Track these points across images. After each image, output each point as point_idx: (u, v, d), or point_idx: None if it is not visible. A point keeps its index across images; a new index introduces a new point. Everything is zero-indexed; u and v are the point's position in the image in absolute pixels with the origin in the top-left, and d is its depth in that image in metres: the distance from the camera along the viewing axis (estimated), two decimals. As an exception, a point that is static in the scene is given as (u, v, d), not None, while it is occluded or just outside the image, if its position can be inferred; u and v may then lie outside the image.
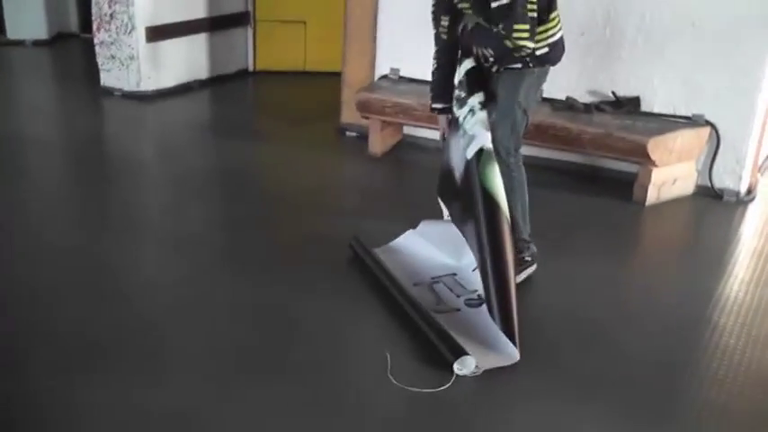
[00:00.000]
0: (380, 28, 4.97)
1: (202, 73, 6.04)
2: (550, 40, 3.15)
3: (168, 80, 5.77)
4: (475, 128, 3.14)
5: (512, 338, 2.72)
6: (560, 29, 3.19)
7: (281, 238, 3.72)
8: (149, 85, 5.65)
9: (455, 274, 3.27)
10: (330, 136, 5.27)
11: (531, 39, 2.96)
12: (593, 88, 4.52)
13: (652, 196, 4.26)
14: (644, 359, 2.83)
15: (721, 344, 2.95)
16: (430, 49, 4.83)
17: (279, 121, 5.56)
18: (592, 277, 3.45)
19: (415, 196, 4.13)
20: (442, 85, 3.44)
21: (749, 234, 4.12)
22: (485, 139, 3.08)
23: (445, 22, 3.26)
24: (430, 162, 4.63)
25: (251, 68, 6.49)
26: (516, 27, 2.92)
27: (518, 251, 3.22)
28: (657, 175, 4.23)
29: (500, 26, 2.94)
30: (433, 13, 3.32)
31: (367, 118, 4.87)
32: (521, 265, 3.24)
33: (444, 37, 3.31)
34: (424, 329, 2.85)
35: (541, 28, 3.06)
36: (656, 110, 4.42)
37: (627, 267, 3.69)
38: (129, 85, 5.65)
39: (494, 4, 2.92)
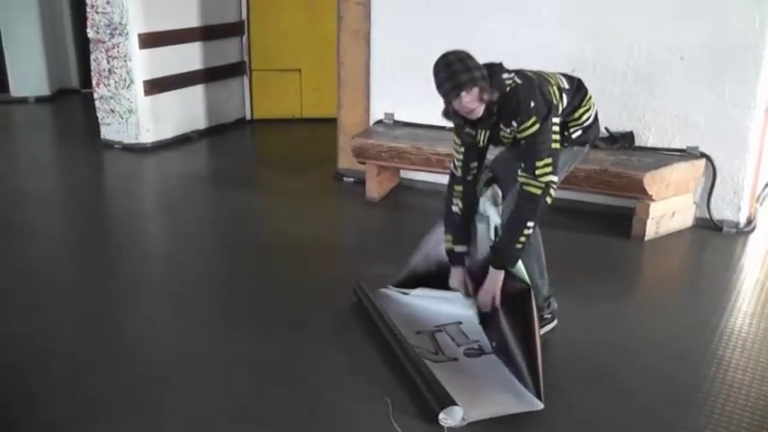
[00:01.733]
0: (374, 74, 5.02)
1: (200, 123, 6.11)
2: (585, 124, 3.11)
3: (167, 132, 5.84)
4: (485, 206, 3.11)
5: (537, 389, 2.68)
6: (594, 110, 3.13)
7: (283, 286, 3.70)
8: (148, 137, 5.72)
9: (460, 323, 3.23)
10: (328, 182, 5.30)
11: (554, 173, 2.84)
12: (587, 125, 4.56)
13: (651, 230, 4.26)
14: (651, 398, 2.79)
15: (727, 379, 2.91)
16: (423, 93, 4.84)
17: (277, 170, 5.60)
18: (595, 316, 3.42)
19: (416, 239, 4.08)
20: (463, 229, 3.16)
21: (750, 265, 4.08)
22: (497, 217, 3.05)
23: (474, 164, 3.08)
24: (428, 205, 4.68)
25: (248, 117, 6.57)
26: (538, 164, 2.81)
27: (538, 309, 3.08)
28: (655, 210, 4.23)
29: (520, 169, 2.82)
30: (461, 161, 3.08)
31: (363, 163, 4.90)
32: (541, 322, 3.13)
33: (469, 178, 3.09)
34: (413, 378, 2.81)
35: (575, 114, 3.04)
36: (650, 144, 4.45)
37: (629, 304, 3.64)
38: (128, 138, 5.72)
39: (520, 143, 2.84)
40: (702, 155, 4.32)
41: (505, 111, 2.84)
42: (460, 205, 3.12)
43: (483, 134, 2.96)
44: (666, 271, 4.12)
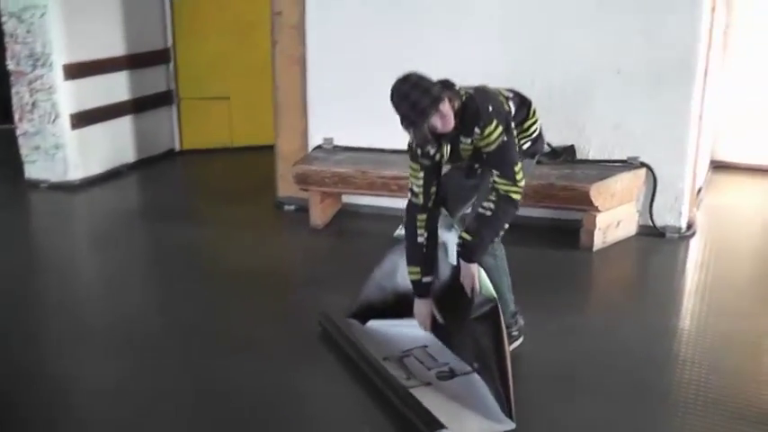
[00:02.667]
0: (311, 98, 4.94)
1: (129, 156, 5.88)
2: (533, 135, 3.15)
3: (96, 167, 5.59)
4: (442, 234, 3.07)
5: (508, 409, 2.64)
6: (540, 122, 3.19)
7: (241, 320, 3.57)
8: (77, 173, 5.46)
9: (426, 346, 3.17)
10: (268, 211, 5.16)
11: (523, 177, 2.89)
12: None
13: (598, 241, 4.31)
14: (626, 400, 2.83)
15: (693, 377, 2.98)
16: (362, 116, 4.93)
17: (213, 201, 5.42)
18: (559, 329, 3.42)
19: (365, 264, 4.00)
20: (429, 259, 3.08)
21: (694, 268, 4.22)
22: (454, 239, 3.00)
23: (434, 188, 3.02)
24: (373, 229, 4.63)
25: (177, 148, 6.36)
26: (515, 169, 2.84)
27: (507, 326, 3.06)
28: (602, 220, 4.29)
29: (495, 176, 2.82)
30: (422, 186, 2.99)
31: (306, 190, 4.80)
32: (509, 339, 3.08)
33: (431, 204, 3.03)
34: (397, 405, 2.75)
35: (524, 126, 3.07)
36: (591, 156, 4.51)
37: (590, 314, 3.70)
38: (56, 176, 5.44)
39: (486, 151, 2.83)
40: (643, 164, 4.42)
41: (466, 119, 2.82)
42: (425, 235, 3.04)
43: (446, 148, 2.92)
44: (619, 279, 4.18)
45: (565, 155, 4.52)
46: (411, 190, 3.03)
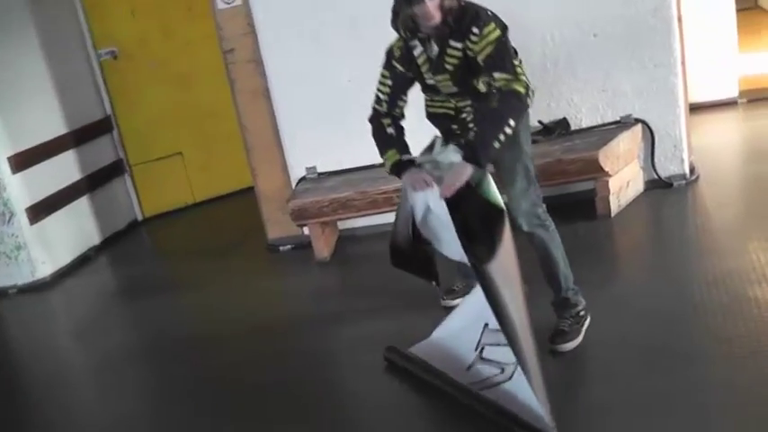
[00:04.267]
0: (283, 131, 4.70)
1: (95, 238, 5.46)
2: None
3: (64, 257, 5.16)
4: (450, 155, 2.88)
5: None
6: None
7: (295, 376, 3.31)
8: (46, 270, 5.01)
9: (487, 324, 2.98)
10: (263, 257, 4.87)
11: (524, 74, 2.81)
12: (518, 123, 4.50)
13: (614, 206, 4.25)
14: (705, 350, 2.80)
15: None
16: (339, 138, 4.74)
17: (198, 262, 5.05)
18: (607, 302, 3.32)
19: (394, 285, 3.85)
20: (403, 142, 3.04)
21: (717, 207, 4.22)
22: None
23: (402, 101, 3.02)
24: (379, 249, 4.38)
25: (140, 217, 5.97)
26: (515, 63, 2.77)
27: (573, 305, 3.06)
28: (614, 184, 4.23)
29: (496, 75, 2.71)
30: (388, 94, 3.01)
31: (303, 225, 4.58)
32: (578, 322, 3.06)
33: (396, 112, 3.03)
34: (491, 416, 2.63)
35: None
36: (585, 124, 4.47)
37: (634, 280, 3.61)
38: (23, 278, 4.97)
39: (484, 54, 2.73)
40: (638, 120, 4.39)
41: (465, 20, 2.74)
42: (393, 129, 3.02)
43: (430, 51, 2.84)
44: (650, 239, 4.15)
45: (559, 129, 4.45)
46: (376, 97, 3.02)
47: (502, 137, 2.70)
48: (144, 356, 3.92)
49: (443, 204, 2.79)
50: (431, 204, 2.92)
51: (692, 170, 4.52)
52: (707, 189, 4.40)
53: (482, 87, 2.86)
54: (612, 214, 4.23)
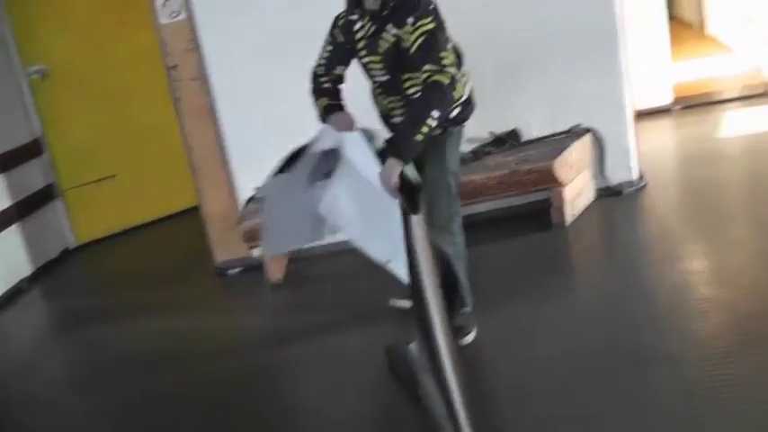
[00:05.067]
0: (231, 151, 4.54)
1: (26, 269, 5.13)
2: (463, 99, 3.06)
3: (-7, 292, 4.85)
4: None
5: None
6: (470, 85, 3.14)
7: (248, 396, 3.22)
8: (-25, 307, 4.71)
9: None
10: (211, 282, 4.67)
11: (456, 65, 2.83)
12: (470, 136, 4.43)
13: (569, 215, 4.28)
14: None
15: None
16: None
17: (140, 290, 4.79)
18: (570, 309, 3.40)
19: (352, 303, 3.87)
20: (336, 93, 3.11)
21: (669, 213, 4.32)
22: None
23: (339, 70, 3.09)
24: (335, 267, 4.33)
25: (73, 244, 5.67)
26: (442, 54, 2.75)
27: (465, 306, 3.23)
28: (568, 194, 4.25)
29: (424, 67, 2.71)
30: (327, 59, 3.08)
31: (254, 247, 4.43)
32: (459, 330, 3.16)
33: (333, 77, 3.09)
34: None
35: (456, 87, 2.89)
36: (535, 135, 4.48)
37: (591, 286, 3.66)
38: (-49, 316, 4.66)
39: (415, 45, 2.74)
40: (587, 130, 4.44)
41: (404, 10, 2.77)
42: (329, 84, 3.09)
43: (368, 29, 2.88)
44: (607, 246, 4.19)
45: (510, 140, 4.46)
46: (317, 62, 3.11)
47: (425, 129, 2.68)
48: (85, 389, 3.71)
49: (365, 148, 2.77)
50: (348, 153, 2.79)
51: (640, 177, 4.59)
52: (656, 195, 4.48)
53: (410, 90, 2.88)
54: (567, 223, 4.25)
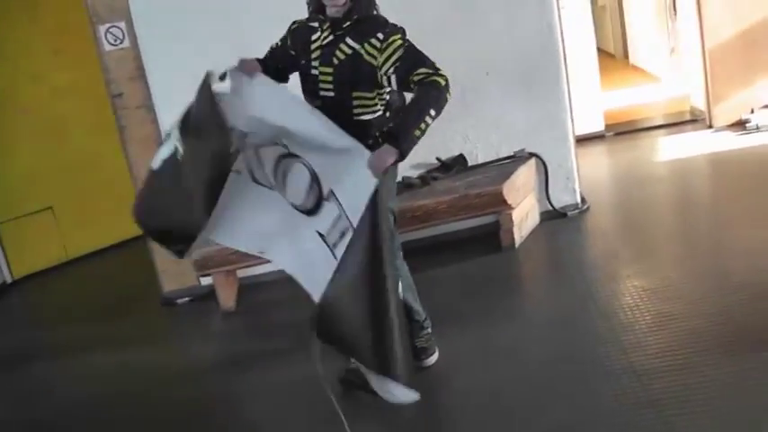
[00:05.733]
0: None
1: (-40, 305, 4.96)
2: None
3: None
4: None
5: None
6: None
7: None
8: None
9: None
10: (159, 312, 4.59)
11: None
12: (416, 161, 4.52)
13: (517, 237, 4.38)
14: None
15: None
16: None
17: (82, 325, 4.62)
18: (527, 329, 3.46)
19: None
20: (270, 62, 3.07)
21: (614, 234, 4.49)
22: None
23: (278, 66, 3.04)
24: (286, 293, 4.27)
25: (9, 279, 5.46)
26: (434, 63, 2.76)
27: (425, 328, 3.21)
28: (516, 217, 4.36)
29: (418, 70, 2.71)
30: (272, 50, 3.09)
31: (206, 275, 4.38)
32: (430, 339, 3.24)
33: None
34: None
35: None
36: (480, 160, 4.59)
37: (546, 307, 3.72)
38: None
39: (394, 57, 2.75)
40: (531, 154, 4.57)
41: (368, 25, 2.81)
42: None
43: (326, 38, 2.86)
44: (556, 267, 4.25)
45: (457, 165, 4.55)
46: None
47: (423, 126, 2.67)
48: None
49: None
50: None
51: (582, 200, 4.75)
52: (598, 216, 4.64)
53: (358, 110, 2.86)
54: (516, 245, 4.36)
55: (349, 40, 2.81)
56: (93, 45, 4.38)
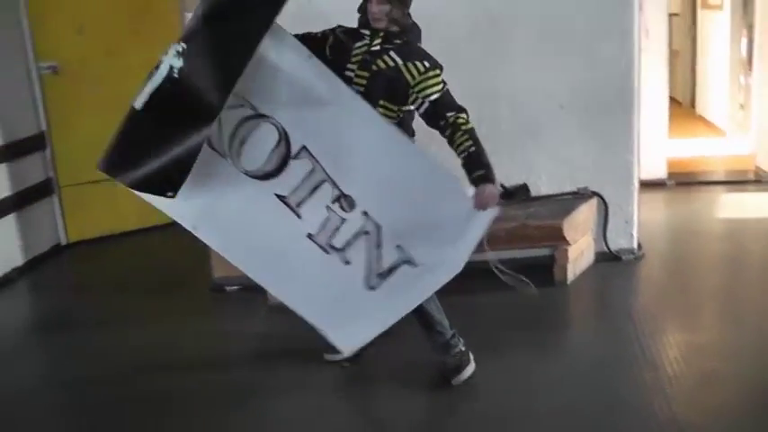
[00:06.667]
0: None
1: (18, 259, 5.06)
2: None
3: (-15, 277, 4.76)
4: None
5: None
6: None
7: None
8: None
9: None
10: (206, 298, 4.62)
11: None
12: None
13: (571, 274, 4.38)
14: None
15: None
16: None
17: (131, 298, 4.69)
18: (571, 367, 3.49)
19: None
20: None
21: (666, 285, 4.46)
22: None
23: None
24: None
25: (64, 242, 5.60)
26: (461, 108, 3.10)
27: (454, 346, 3.32)
28: (572, 253, 4.36)
29: (449, 114, 3.04)
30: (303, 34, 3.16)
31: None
32: (463, 356, 3.34)
33: None
34: None
35: None
36: (543, 192, 4.60)
37: (593, 348, 3.71)
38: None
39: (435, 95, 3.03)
40: (594, 193, 4.57)
41: (415, 50, 3.07)
42: None
43: (372, 45, 3.04)
44: (607, 310, 4.25)
45: (519, 194, 4.56)
46: None
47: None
48: (64, 389, 3.64)
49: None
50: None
51: (639, 246, 4.72)
52: (653, 265, 4.63)
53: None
54: (569, 281, 4.36)
55: (393, 54, 3.03)
56: (170, 30, 4.47)
